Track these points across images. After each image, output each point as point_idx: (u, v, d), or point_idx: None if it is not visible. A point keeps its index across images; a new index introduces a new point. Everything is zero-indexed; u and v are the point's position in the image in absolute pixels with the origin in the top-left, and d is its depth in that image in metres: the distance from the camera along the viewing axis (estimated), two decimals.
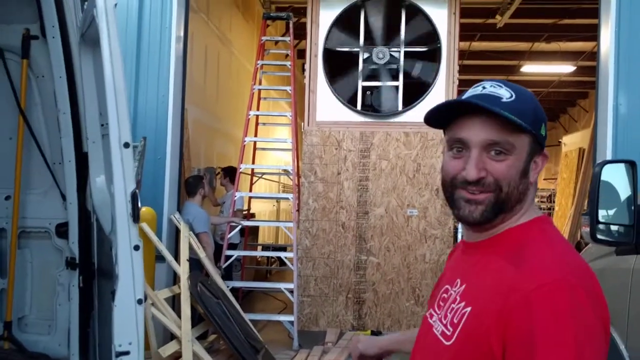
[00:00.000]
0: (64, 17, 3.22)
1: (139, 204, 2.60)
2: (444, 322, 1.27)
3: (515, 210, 1.28)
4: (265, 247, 11.34)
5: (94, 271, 3.38)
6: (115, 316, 2.65)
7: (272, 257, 11.27)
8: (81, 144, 3.37)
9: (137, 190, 2.55)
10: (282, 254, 8.56)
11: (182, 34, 6.62)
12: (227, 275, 7.86)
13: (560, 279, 1.14)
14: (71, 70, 3.27)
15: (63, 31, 3.23)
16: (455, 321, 1.23)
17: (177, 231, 6.51)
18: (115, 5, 2.48)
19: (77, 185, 3.39)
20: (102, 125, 3.15)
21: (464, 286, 1.28)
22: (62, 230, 3.54)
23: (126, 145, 2.52)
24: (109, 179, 2.90)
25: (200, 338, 6.16)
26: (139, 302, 2.66)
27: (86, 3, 2.82)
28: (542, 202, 19.01)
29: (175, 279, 6.40)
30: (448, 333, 1.25)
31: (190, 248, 6.34)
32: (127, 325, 2.65)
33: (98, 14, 2.50)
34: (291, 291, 7.33)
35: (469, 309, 1.22)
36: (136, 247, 2.62)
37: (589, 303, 1.13)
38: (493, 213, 1.26)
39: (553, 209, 14.07)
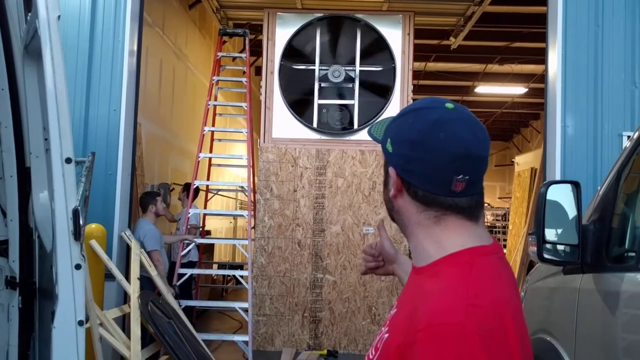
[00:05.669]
0: (7, 29, 3.11)
1: (81, 222, 2.52)
2: (373, 343, 1.25)
3: (409, 233, 1.25)
4: (222, 265, 11.19)
5: (35, 291, 3.26)
6: (55, 338, 2.55)
7: (228, 276, 11.14)
8: (24, 159, 3.25)
9: (78, 207, 2.47)
10: (237, 272, 8.45)
11: (135, 48, 6.53)
12: (186, 293, 7.72)
13: (452, 323, 1.05)
14: (14, 82, 3.16)
15: (6, 43, 3.12)
16: (378, 345, 1.21)
17: (128, 249, 6.36)
18: (59, 17, 2.40)
19: (18, 201, 3.26)
20: (46, 139, 3.05)
21: (395, 310, 1.25)
22: (1, 248, 3.40)
23: (68, 160, 2.44)
24: (52, 195, 2.81)
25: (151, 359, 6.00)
26: (80, 323, 2.57)
27: (29, 14, 2.74)
28: (497, 220, 19.43)
29: (125, 298, 6.24)
30: (371, 356, 1.23)
31: (142, 266, 6.20)
32: (67, 347, 2.56)
33: (40, 25, 2.43)
34: (246, 310, 7.23)
35: (386, 335, 1.19)
36: (77, 266, 2.53)
37: (486, 356, 1.04)
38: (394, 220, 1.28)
39: (507, 227, 14.33)
